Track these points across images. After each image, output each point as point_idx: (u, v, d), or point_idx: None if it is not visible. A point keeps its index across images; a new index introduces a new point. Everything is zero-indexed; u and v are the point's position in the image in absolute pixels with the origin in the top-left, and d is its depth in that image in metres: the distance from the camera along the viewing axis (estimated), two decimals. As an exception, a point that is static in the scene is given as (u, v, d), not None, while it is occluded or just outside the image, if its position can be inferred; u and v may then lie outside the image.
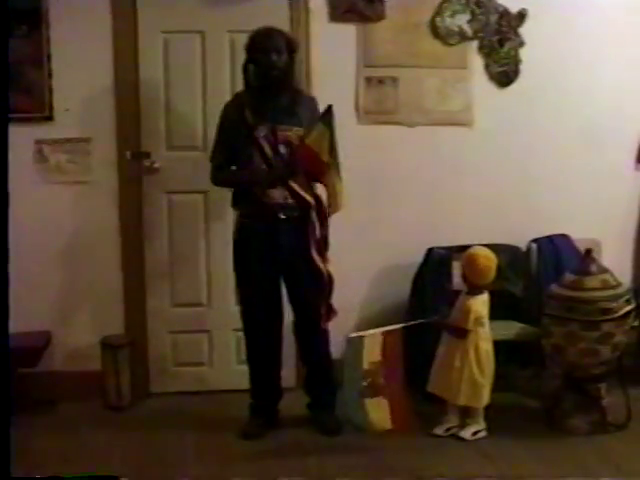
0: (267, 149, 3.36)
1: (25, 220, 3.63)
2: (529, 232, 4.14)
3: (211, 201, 3.96)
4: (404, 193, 4.13)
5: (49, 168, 3.93)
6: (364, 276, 4.13)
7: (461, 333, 3.40)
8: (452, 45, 4.13)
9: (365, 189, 3.80)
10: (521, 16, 4.15)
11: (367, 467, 3.18)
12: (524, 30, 4.16)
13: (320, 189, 3.47)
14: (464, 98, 4.17)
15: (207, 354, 4.12)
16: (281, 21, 3.73)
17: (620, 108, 4.24)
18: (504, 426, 3.49)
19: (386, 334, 3.30)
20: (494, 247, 3.61)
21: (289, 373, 3.62)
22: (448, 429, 3.46)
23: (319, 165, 3.32)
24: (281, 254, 3.42)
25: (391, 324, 3.42)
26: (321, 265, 3.40)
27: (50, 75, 3.87)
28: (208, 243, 4.04)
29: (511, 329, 3.84)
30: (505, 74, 4.19)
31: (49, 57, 3.86)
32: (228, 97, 3.66)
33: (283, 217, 3.39)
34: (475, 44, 4.16)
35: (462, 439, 3.41)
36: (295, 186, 3.36)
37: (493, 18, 4.15)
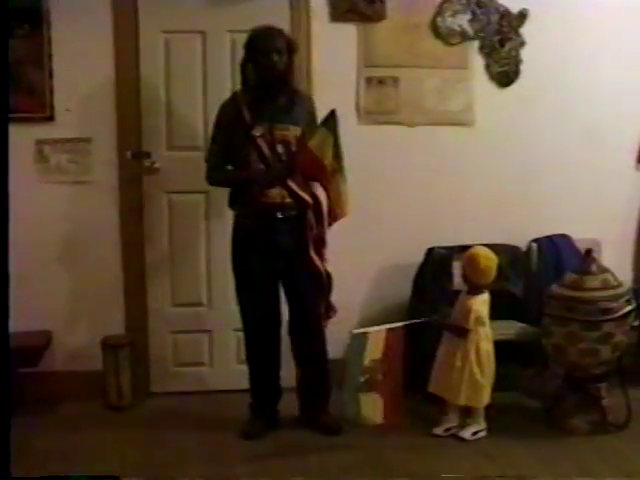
0: (265, 148, 3.36)
1: (25, 220, 3.63)
2: (529, 232, 4.15)
3: (211, 201, 3.96)
4: (404, 193, 4.13)
5: (49, 168, 3.93)
6: (364, 276, 4.14)
7: (462, 333, 3.40)
8: (453, 45, 4.13)
9: (365, 189, 3.80)
10: (522, 16, 4.15)
11: (367, 467, 3.18)
12: (525, 30, 4.16)
13: (319, 189, 3.47)
14: (465, 98, 4.17)
15: (207, 354, 4.12)
16: (282, 21, 3.72)
17: (620, 108, 4.24)
18: (504, 426, 3.49)
19: (389, 332, 3.31)
20: (494, 247, 3.61)
21: (289, 373, 3.61)
22: (448, 429, 3.46)
23: (320, 169, 3.32)
24: (279, 254, 3.42)
25: (392, 324, 3.43)
26: (319, 264, 3.41)
27: (51, 75, 3.87)
28: (208, 243, 4.04)
29: (511, 329, 3.84)
30: (506, 74, 4.19)
31: (50, 57, 3.86)
32: (229, 97, 3.67)
33: (281, 216, 3.39)
34: (476, 44, 4.16)
35: (462, 439, 3.41)
36: (293, 185, 3.36)
37: (494, 18, 4.15)
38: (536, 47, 4.16)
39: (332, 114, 3.29)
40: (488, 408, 3.46)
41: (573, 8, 4.14)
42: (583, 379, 3.51)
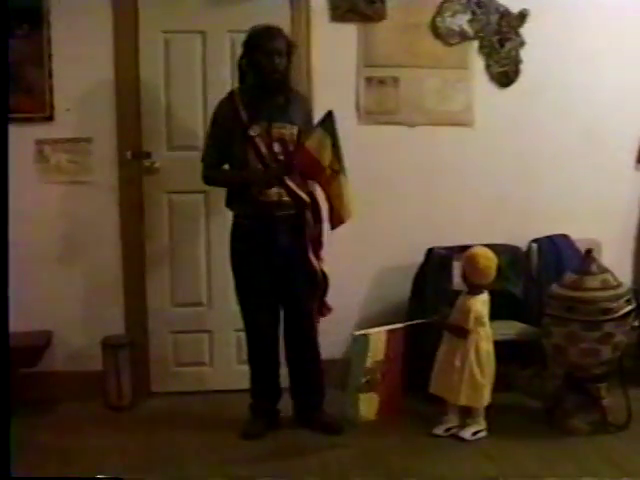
0: (262, 148, 3.36)
1: (25, 220, 3.64)
2: (529, 232, 4.15)
3: (211, 201, 3.96)
4: (404, 193, 4.13)
5: (49, 168, 3.93)
6: (364, 276, 4.14)
7: (461, 333, 3.40)
8: (453, 45, 4.13)
9: (365, 189, 3.80)
10: (522, 16, 4.15)
11: (367, 467, 3.18)
12: (525, 30, 4.16)
13: (317, 189, 3.48)
14: (464, 98, 4.17)
15: (208, 354, 4.12)
16: (282, 21, 3.72)
17: (620, 108, 4.24)
18: (505, 426, 3.49)
19: (389, 333, 3.32)
20: (494, 247, 3.61)
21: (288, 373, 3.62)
22: (448, 429, 3.46)
23: (317, 169, 3.32)
24: (278, 253, 3.42)
25: (392, 324, 3.43)
26: (316, 265, 3.42)
27: (51, 75, 3.87)
28: (208, 243, 4.04)
29: (512, 329, 3.83)
30: (506, 74, 4.19)
31: (50, 57, 3.86)
32: (229, 97, 3.66)
33: (279, 215, 3.39)
34: (476, 44, 4.16)
35: (462, 439, 3.40)
36: (291, 184, 3.36)
37: (494, 18, 4.15)
38: (536, 47, 4.16)
39: (329, 115, 3.29)
40: (488, 408, 3.46)
41: (573, 8, 4.15)
42: (583, 379, 3.51)
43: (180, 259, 4.05)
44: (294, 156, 3.36)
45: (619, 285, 3.49)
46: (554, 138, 4.21)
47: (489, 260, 3.47)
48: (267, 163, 3.37)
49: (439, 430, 3.46)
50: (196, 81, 3.97)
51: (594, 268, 3.48)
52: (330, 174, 3.34)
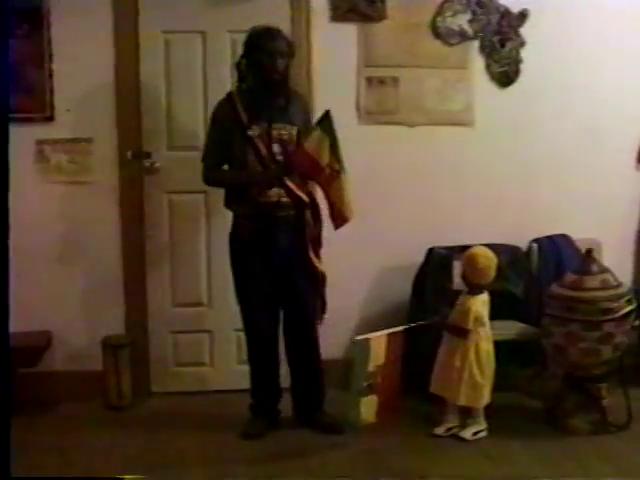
0: (262, 149, 3.36)
1: (26, 220, 3.62)
2: (529, 232, 4.15)
3: (211, 201, 3.95)
4: (404, 193, 4.13)
5: (50, 168, 3.93)
6: (365, 276, 4.14)
7: (461, 333, 3.40)
8: (453, 45, 4.13)
9: (365, 189, 3.80)
10: (522, 16, 4.15)
11: (367, 467, 3.18)
12: (525, 30, 4.17)
13: (317, 189, 3.48)
14: (465, 98, 4.17)
15: (208, 354, 4.12)
16: (282, 21, 3.73)
17: (621, 108, 4.24)
18: (505, 426, 3.49)
19: (390, 336, 3.32)
20: (494, 247, 3.61)
21: (288, 373, 3.61)
22: (448, 429, 3.46)
23: (316, 169, 3.32)
24: (278, 254, 3.42)
25: (392, 324, 3.44)
26: (317, 264, 3.42)
27: (51, 75, 3.87)
28: (209, 243, 4.04)
29: (512, 329, 3.83)
30: (506, 74, 4.19)
31: (50, 57, 3.86)
32: (229, 97, 3.66)
33: (279, 215, 3.39)
34: (476, 44, 4.16)
35: (462, 439, 3.41)
36: (291, 184, 3.36)
37: (494, 18, 4.15)
38: (536, 47, 4.16)
39: (327, 115, 3.29)
40: (488, 408, 3.46)
41: (573, 8, 4.15)
42: (583, 379, 3.51)
43: (180, 259, 4.06)
44: (293, 157, 3.36)
45: (619, 285, 3.49)
46: (554, 138, 4.21)
47: (489, 260, 3.47)
48: (266, 164, 3.37)
49: (439, 430, 3.46)
50: (196, 81, 3.97)
51: (594, 268, 3.48)
52: (330, 174, 3.34)
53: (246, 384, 3.63)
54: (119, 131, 3.94)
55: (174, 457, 3.29)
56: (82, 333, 4.01)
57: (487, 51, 4.17)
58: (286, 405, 3.62)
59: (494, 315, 3.51)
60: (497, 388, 3.47)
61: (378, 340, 3.29)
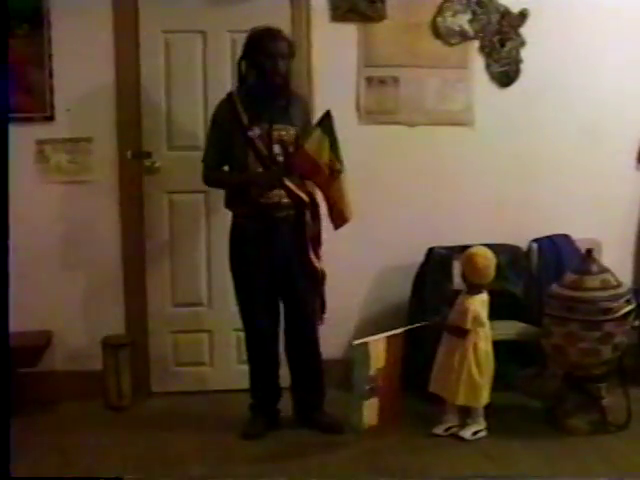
0: (263, 150, 3.36)
1: (26, 220, 3.63)
2: (529, 232, 4.15)
3: (211, 201, 3.95)
4: (404, 193, 4.13)
5: (50, 168, 3.93)
6: (364, 276, 4.13)
7: (460, 333, 3.40)
8: (453, 45, 4.13)
9: (365, 189, 3.80)
10: (522, 16, 4.15)
11: (367, 467, 3.18)
12: (525, 30, 4.16)
13: (316, 189, 3.48)
14: (465, 98, 4.17)
15: (208, 354, 4.12)
16: (282, 21, 3.72)
17: (621, 108, 4.24)
18: (504, 426, 3.49)
19: (389, 339, 3.32)
20: (494, 247, 3.61)
21: (288, 373, 3.61)
22: (448, 429, 3.46)
23: (316, 170, 3.33)
24: (278, 254, 3.42)
25: (391, 324, 3.45)
26: (317, 265, 3.42)
27: (51, 75, 3.87)
28: (209, 243, 4.04)
29: (511, 329, 3.83)
30: (506, 74, 4.19)
31: (50, 57, 3.86)
32: (229, 97, 3.66)
33: (279, 216, 3.39)
34: (476, 44, 4.16)
35: (462, 439, 3.40)
36: (291, 185, 3.36)
37: (494, 18, 4.15)
38: (536, 47, 4.16)
39: (327, 115, 3.29)
40: (488, 408, 3.46)
41: (573, 8, 4.14)
42: (583, 379, 3.51)
43: (180, 259, 4.06)
44: (293, 158, 3.36)
45: (619, 285, 3.49)
46: (554, 138, 4.21)
47: (488, 260, 3.47)
48: (267, 165, 3.37)
49: (439, 430, 3.46)
50: (196, 81, 3.97)
51: (594, 268, 3.48)
52: (330, 174, 3.34)
53: (246, 384, 3.63)
54: (119, 131, 3.94)
55: (174, 457, 3.29)
56: (82, 333, 4.01)
57: (487, 51, 4.17)
58: (286, 405, 3.62)
59: (494, 315, 3.51)
60: (497, 388, 3.48)
61: (377, 343, 3.29)
